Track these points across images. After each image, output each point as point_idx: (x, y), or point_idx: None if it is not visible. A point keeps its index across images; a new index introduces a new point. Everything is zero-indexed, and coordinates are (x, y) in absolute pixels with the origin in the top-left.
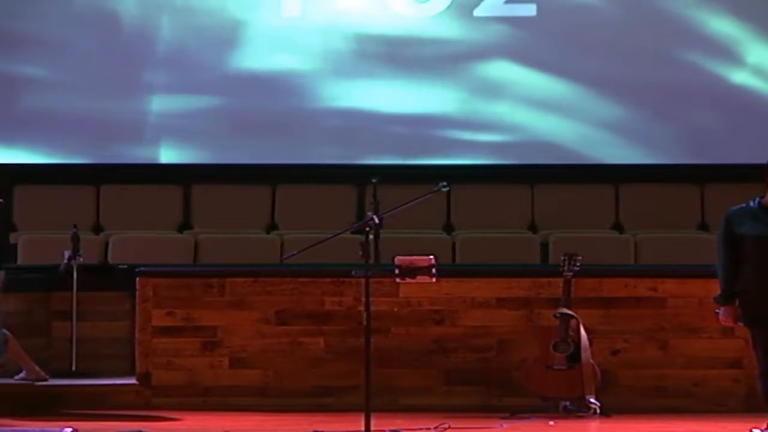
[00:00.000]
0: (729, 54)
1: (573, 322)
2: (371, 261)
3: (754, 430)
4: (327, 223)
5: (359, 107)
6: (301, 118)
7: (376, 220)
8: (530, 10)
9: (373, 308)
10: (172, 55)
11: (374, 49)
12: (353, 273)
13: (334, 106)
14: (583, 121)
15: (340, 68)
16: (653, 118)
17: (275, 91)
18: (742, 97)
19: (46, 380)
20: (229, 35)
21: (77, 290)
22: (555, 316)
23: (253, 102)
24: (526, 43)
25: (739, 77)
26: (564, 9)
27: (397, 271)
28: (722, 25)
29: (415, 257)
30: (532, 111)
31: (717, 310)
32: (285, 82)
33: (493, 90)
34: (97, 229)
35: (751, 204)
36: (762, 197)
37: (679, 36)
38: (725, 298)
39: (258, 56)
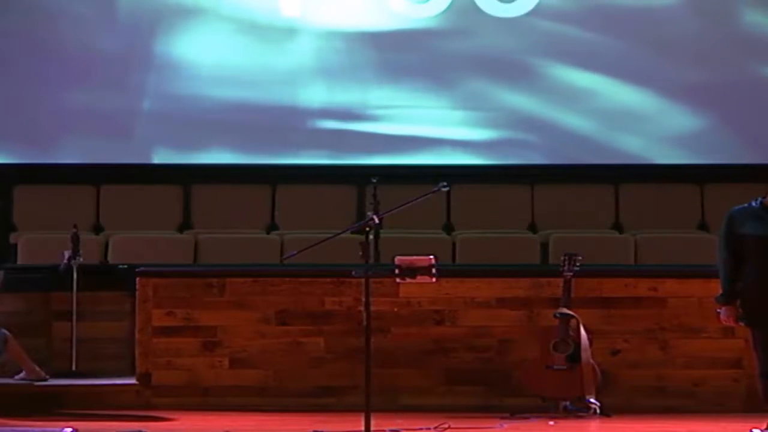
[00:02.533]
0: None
1: (573, 322)
2: (371, 261)
3: (754, 430)
4: (327, 223)
5: (359, 107)
6: (301, 117)
7: (376, 220)
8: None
9: (373, 308)
10: (171, 55)
11: (373, 49)
12: (353, 273)
13: (334, 106)
14: (584, 121)
15: (340, 67)
16: (655, 117)
17: (275, 91)
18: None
19: (46, 380)
20: (228, 35)
21: (77, 290)
22: (555, 316)
23: (253, 102)
24: (524, 42)
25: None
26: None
27: (397, 271)
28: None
29: (415, 257)
30: (533, 110)
31: (718, 310)
32: (285, 82)
33: (492, 90)
34: (97, 229)
35: (753, 204)
36: (764, 197)
37: (687, 28)
38: (726, 298)
39: (259, 56)
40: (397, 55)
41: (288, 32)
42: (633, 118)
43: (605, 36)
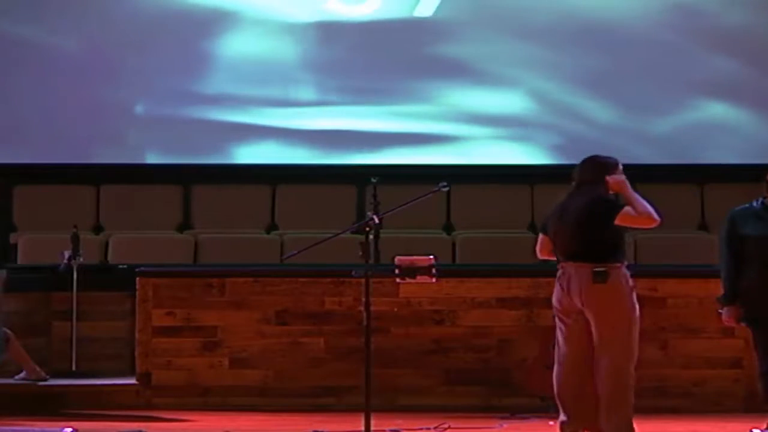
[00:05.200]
0: None
1: None
2: (371, 261)
3: (754, 430)
4: (327, 223)
5: (359, 106)
6: (301, 117)
7: (376, 220)
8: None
9: (373, 308)
10: (168, 55)
11: (373, 47)
12: (353, 273)
13: (334, 105)
14: (583, 120)
15: (340, 65)
16: (655, 116)
17: (275, 90)
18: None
19: (46, 380)
20: (229, 35)
21: (77, 290)
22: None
23: (252, 101)
24: (523, 41)
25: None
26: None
27: (397, 271)
28: None
29: (415, 257)
30: (534, 110)
31: (720, 310)
32: (285, 80)
33: (493, 89)
34: (97, 229)
35: (754, 204)
36: (765, 197)
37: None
38: (728, 299)
39: (259, 55)
40: (397, 53)
41: (287, 29)
42: (634, 116)
43: (609, 30)
